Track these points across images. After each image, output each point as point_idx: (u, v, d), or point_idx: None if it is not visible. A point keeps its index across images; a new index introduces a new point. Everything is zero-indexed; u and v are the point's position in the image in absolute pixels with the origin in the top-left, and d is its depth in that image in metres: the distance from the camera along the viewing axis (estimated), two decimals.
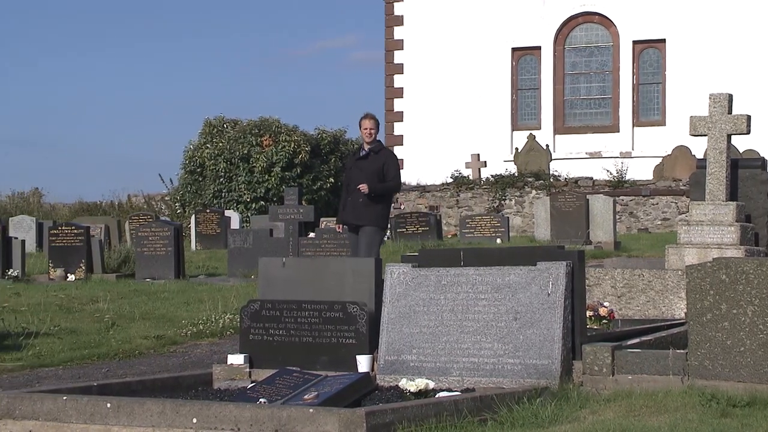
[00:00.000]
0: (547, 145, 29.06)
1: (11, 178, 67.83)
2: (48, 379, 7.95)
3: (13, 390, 6.40)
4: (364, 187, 10.58)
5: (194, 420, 4.99)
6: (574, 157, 29.69)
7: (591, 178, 27.72)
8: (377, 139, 10.92)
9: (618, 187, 27.08)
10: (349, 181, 10.88)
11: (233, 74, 65.64)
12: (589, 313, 7.16)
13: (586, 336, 6.22)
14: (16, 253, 16.31)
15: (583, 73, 30.56)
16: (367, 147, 10.88)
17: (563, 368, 5.87)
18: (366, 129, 10.80)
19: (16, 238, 17.24)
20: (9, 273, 15.65)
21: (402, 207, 28.72)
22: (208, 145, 27.60)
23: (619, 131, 29.89)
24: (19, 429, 5.34)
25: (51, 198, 33.28)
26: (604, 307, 7.56)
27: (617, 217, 22.63)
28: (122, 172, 60.23)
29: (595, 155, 29.56)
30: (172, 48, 65.79)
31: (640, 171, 27.87)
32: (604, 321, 7.42)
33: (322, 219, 21.84)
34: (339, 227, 11.28)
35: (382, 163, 10.77)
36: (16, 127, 61.77)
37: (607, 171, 27.80)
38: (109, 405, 5.21)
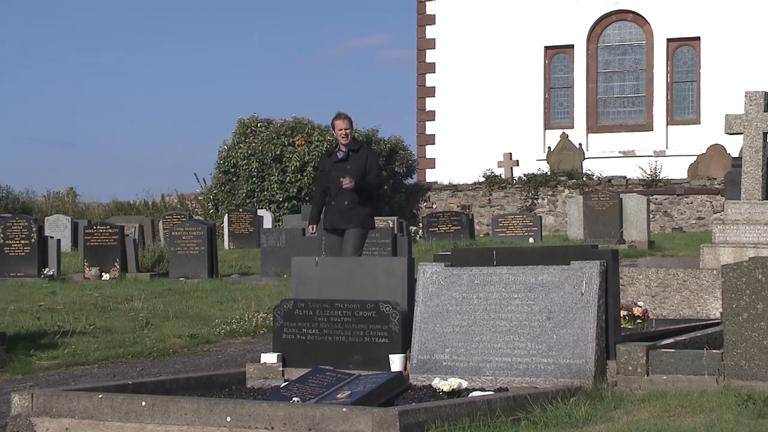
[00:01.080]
0: (580, 144, 28.92)
1: (47, 177, 68.50)
2: (83, 378, 8.02)
3: (50, 388, 6.47)
4: (347, 181, 10.05)
5: (228, 419, 5.01)
6: (608, 156, 29.53)
7: (624, 177, 27.55)
8: (353, 137, 10.53)
9: (652, 185, 26.90)
10: (329, 185, 10.33)
11: (266, 74, 65.91)
12: (623, 313, 7.11)
13: (620, 336, 6.19)
14: (52, 252, 16.47)
15: (617, 71, 30.38)
16: (344, 148, 10.38)
17: (597, 368, 5.83)
18: (341, 130, 10.32)
19: (52, 237, 17.41)
20: (45, 272, 15.81)
21: (434, 206, 28.69)
22: (241, 145, 27.72)
23: (652, 130, 29.69)
24: (55, 426, 5.39)
25: (86, 198, 33.57)
26: (638, 306, 7.51)
27: (651, 216, 22.46)
28: (156, 172, 60.66)
29: (628, 154, 29.38)
30: (207, 48, 66.16)
31: (675, 170, 27.66)
32: (638, 321, 7.37)
33: None
34: (312, 228, 10.71)
35: (364, 161, 10.33)
36: (51, 127, 62.38)
37: (641, 169, 27.62)
38: (144, 403, 5.25)
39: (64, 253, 18.69)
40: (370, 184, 10.36)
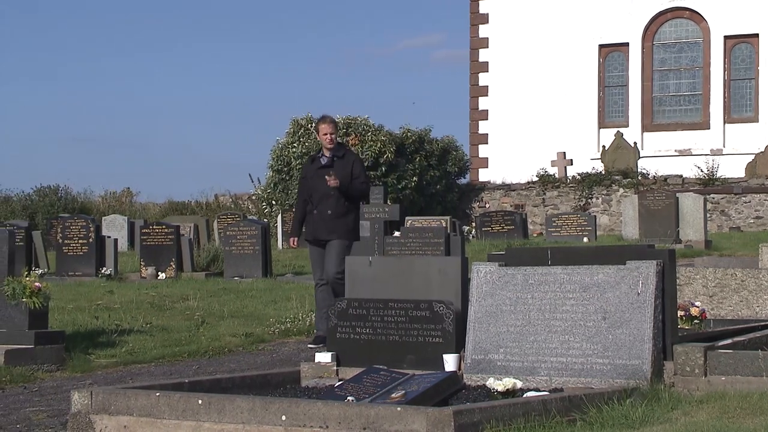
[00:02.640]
0: (635, 143, 28.63)
1: (104, 177, 69.44)
2: (141, 376, 8.12)
3: (108, 386, 6.56)
4: (333, 179, 9.29)
5: (283, 417, 5.04)
6: (663, 154, 29.20)
7: (680, 176, 27.23)
8: (338, 142, 9.76)
9: (708, 184, 26.55)
10: (312, 192, 9.53)
11: (319, 74, 66.21)
12: (680, 313, 7.02)
13: (677, 336, 6.11)
14: (109, 251, 16.70)
15: (673, 69, 30.04)
16: (328, 153, 9.58)
17: (654, 369, 5.77)
18: (326, 134, 9.53)
19: (109, 237, 17.65)
20: (102, 271, 16.02)
21: (487, 206, 28.60)
22: (295, 144, 27.85)
23: (709, 128, 29.31)
24: (114, 424, 5.46)
25: (142, 197, 34.00)
26: (696, 306, 7.41)
27: (708, 215, 22.18)
28: (209, 172, 61.23)
29: (684, 153, 29.02)
30: (261, 48, 66.61)
31: (732, 168, 27.28)
32: (696, 321, 7.28)
33: (407, 218, 21.86)
34: (293, 242, 9.97)
35: (350, 167, 9.54)
36: (109, 127, 63.26)
37: (698, 168, 27.27)
38: (200, 401, 5.29)
39: (121, 253, 18.94)
40: (356, 189, 9.57)
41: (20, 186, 41.46)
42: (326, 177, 9.31)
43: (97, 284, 14.77)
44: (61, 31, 65.31)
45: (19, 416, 6.50)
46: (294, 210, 10.01)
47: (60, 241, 16.59)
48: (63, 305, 11.35)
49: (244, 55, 65.95)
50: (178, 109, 64.73)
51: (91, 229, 16.39)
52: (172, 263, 16.23)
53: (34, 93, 62.76)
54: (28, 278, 8.51)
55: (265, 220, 23.15)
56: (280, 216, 24.14)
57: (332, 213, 9.41)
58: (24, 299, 8.37)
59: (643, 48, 29.88)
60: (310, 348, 9.09)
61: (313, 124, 28.00)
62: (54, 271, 16.68)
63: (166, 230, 16.70)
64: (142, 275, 16.19)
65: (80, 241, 16.30)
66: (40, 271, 15.83)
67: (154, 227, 17.04)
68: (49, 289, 8.68)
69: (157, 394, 5.46)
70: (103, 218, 23.43)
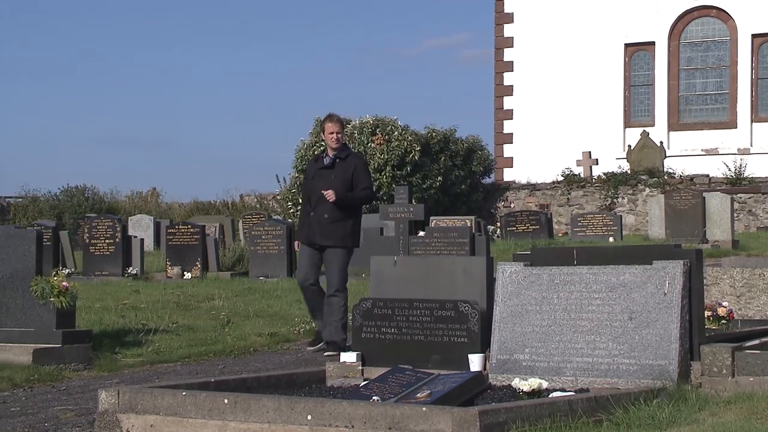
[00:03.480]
0: (661, 142, 28.48)
1: (131, 177, 69.81)
2: (167, 375, 8.15)
3: (135, 385, 6.59)
4: (330, 194, 8.86)
5: (309, 417, 5.05)
6: (690, 154, 29.02)
7: (707, 176, 27.05)
8: (344, 143, 9.31)
9: (736, 184, 26.36)
10: (311, 194, 9.10)
11: (344, 74, 66.28)
12: (707, 313, 6.99)
13: (705, 336, 6.08)
14: (136, 251, 16.78)
15: (699, 68, 29.84)
16: (332, 153, 9.13)
17: (681, 369, 5.74)
18: (331, 133, 9.07)
19: (136, 236, 17.74)
20: (129, 271, 16.11)
21: (512, 205, 28.53)
22: (320, 145, 27.86)
23: (736, 127, 29.10)
24: (141, 423, 5.49)
25: (168, 197, 34.14)
26: (723, 307, 7.37)
27: (735, 215, 22.03)
28: (235, 171, 61.41)
29: (711, 152, 28.83)
30: (287, 48, 66.78)
31: (760, 168, 27.07)
32: (723, 321, 7.24)
33: (432, 218, 21.86)
34: (296, 245, 9.41)
35: (351, 170, 9.06)
36: (134, 127, 63.61)
37: (726, 166, 27.09)
38: (226, 401, 5.31)
39: (147, 253, 19.03)
40: (355, 197, 9.06)
41: (48, 186, 41.79)
42: (323, 192, 8.89)
43: (123, 284, 14.85)
44: (88, 31, 65.77)
45: (47, 415, 6.55)
46: (301, 211, 9.58)
47: (87, 241, 16.69)
48: (90, 305, 11.42)
49: (270, 55, 66.14)
50: (204, 109, 65.02)
51: (118, 229, 16.49)
52: (197, 263, 16.30)
53: (61, 94, 63.25)
54: (55, 278, 8.57)
55: (290, 219, 23.19)
56: None
57: (329, 217, 8.94)
58: (52, 299, 8.43)
59: (669, 47, 29.71)
60: (310, 350, 9.17)
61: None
62: (81, 270, 16.79)
63: (191, 230, 16.78)
64: (168, 275, 16.27)
65: (107, 241, 16.39)
66: (68, 270, 15.95)
67: (180, 227, 17.12)
68: (77, 289, 8.74)
69: (184, 393, 5.48)
70: (130, 218, 23.56)
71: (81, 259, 17.34)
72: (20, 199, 30.03)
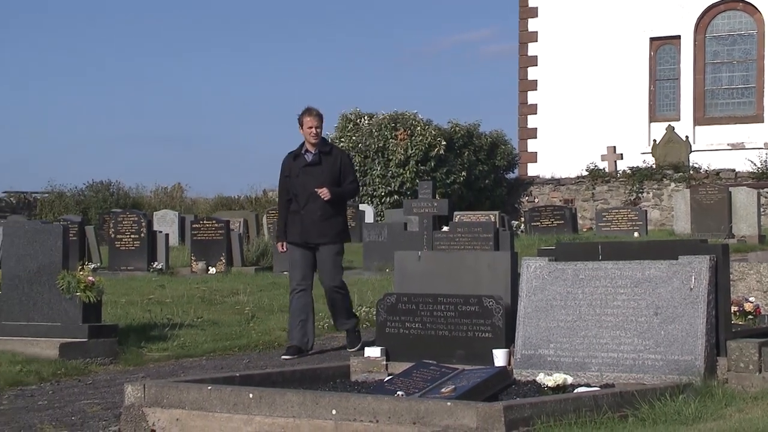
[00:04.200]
0: (687, 137, 28.30)
1: (155, 173, 70.14)
2: (192, 369, 8.19)
3: (161, 379, 6.63)
4: (325, 192, 8.61)
5: (333, 411, 5.06)
6: (715, 148, 28.81)
7: (733, 170, 26.87)
8: (323, 137, 8.95)
9: (762, 178, 26.15)
10: (299, 192, 8.74)
11: (368, 70, 66.28)
12: (733, 309, 6.94)
13: (731, 332, 6.04)
14: (161, 246, 16.87)
15: (725, 62, 29.62)
16: (312, 149, 8.78)
17: (707, 365, 5.71)
18: (310, 128, 8.73)
19: (161, 231, 17.82)
20: (154, 266, 16.19)
21: (536, 200, 28.45)
22: (343, 139, 27.90)
23: (763, 121, 28.86)
24: (166, 417, 5.52)
25: (192, 193, 34.27)
26: (750, 302, 7.31)
27: (762, 209, 21.86)
28: (258, 167, 61.58)
29: (737, 146, 28.62)
30: (309, 46, 66.85)
31: None
32: (750, 317, 7.18)
33: (455, 213, 21.84)
34: (281, 246, 8.98)
35: (338, 165, 8.82)
36: (159, 123, 63.90)
37: (751, 162, 26.88)
38: (251, 395, 5.33)
39: (172, 248, 19.11)
40: (346, 191, 8.90)
41: (73, 182, 41.95)
42: (317, 190, 8.63)
43: (148, 278, 14.93)
44: (114, 29, 66.09)
45: (74, 408, 6.60)
46: (278, 212, 9.18)
47: (112, 236, 16.79)
48: (115, 299, 11.49)
49: (295, 53, 66.24)
50: (228, 105, 65.21)
51: (143, 224, 16.57)
52: (222, 258, 16.35)
53: (86, 91, 63.62)
54: (81, 272, 8.63)
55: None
56: None
57: (322, 215, 8.69)
58: (78, 293, 8.49)
59: (695, 41, 29.51)
60: (285, 359, 8.51)
61: (359, 120, 28.21)
62: (106, 265, 16.89)
63: (216, 225, 16.83)
64: (193, 270, 16.34)
65: (132, 236, 16.48)
66: (93, 265, 16.05)
67: (205, 222, 17.18)
68: (103, 284, 8.80)
69: (209, 387, 5.51)
70: (155, 213, 23.66)
71: (107, 254, 17.44)
72: (46, 195, 30.23)
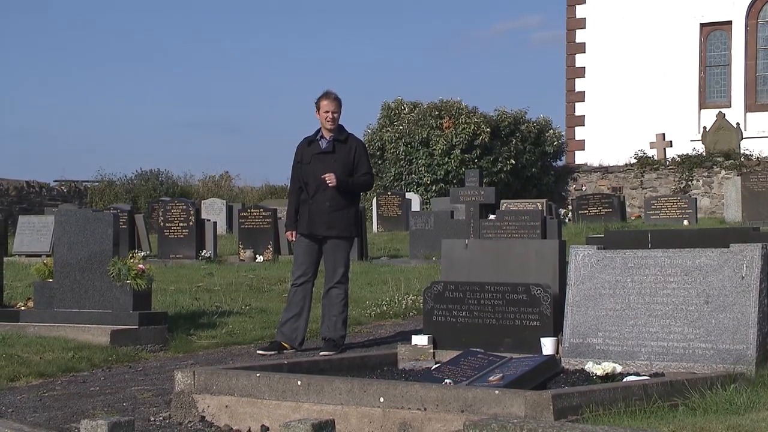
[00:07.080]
0: (738, 124, 27.89)
1: (204, 162, 70.66)
2: (241, 356, 8.25)
3: (210, 366, 6.69)
4: (330, 177, 8.14)
5: (381, 399, 5.07)
6: (767, 135, 28.37)
7: None
8: (340, 124, 8.40)
9: None
10: (309, 180, 8.29)
11: (414, 58, 66.16)
12: None
13: None
14: (209, 234, 17.01)
15: None
16: (328, 135, 8.33)
17: (759, 354, 5.64)
18: (327, 112, 8.27)
19: (209, 220, 17.97)
20: (202, 254, 16.33)
21: (583, 188, 28.23)
22: (387, 129, 27.87)
23: None
24: (216, 403, 5.57)
25: (239, 181, 34.49)
26: None
27: None
28: None
29: None
30: (356, 35, 66.88)
31: None
32: None
33: (502, 201, 21.77)
34: (291, 235, 8.51)
35: (353, 154, 8.31)
36: (208, 112, 64.34)
37: None
38: (299, 382, 5.36)
39: (220, 236, 19.27)
40: (357, 183, 8.35)
41: (123, 170, 42.46)
42: (324, 177, 8.18)
43: (197, 266, 15.06)
44: (162, 17, 66.59)
45: (125, 395, 6.68)
46: (288, 198, 8.72)
47: (161, 224, 16.96)
48: (165, 287, 11.60)
49: (341, 42, 66.30)
50: (277, 93, 65.47)
51: (191, 212, 16.71)
52: (269, 246, 16.45)
53: (136, 80, 64.21)
54: (132, 260, 8.72)
55: (360, 203, 23.27)
56: (375, 199, 24.26)
57: (331, 205, 8.20)
58: (128, 281, 8.59)
59: (747, 26, 29.04)
60: (259, 354, 8.13)
61: (402, 109, 28.15)
62: (156, 253, 17.07)
63: (263, 213, 16.93)
64: (241, 258, 16.45)
65: (181, 224, 16.63)
66: (143, 253, 16.22)
67: (252, 210, 17.28)
68: (152, 271, 8.89)
69: (258, 375, 5.55)
70: (203, 202, 23.86)
71: (156, 242, 17.62)
72: (97, 183, 30.60)
